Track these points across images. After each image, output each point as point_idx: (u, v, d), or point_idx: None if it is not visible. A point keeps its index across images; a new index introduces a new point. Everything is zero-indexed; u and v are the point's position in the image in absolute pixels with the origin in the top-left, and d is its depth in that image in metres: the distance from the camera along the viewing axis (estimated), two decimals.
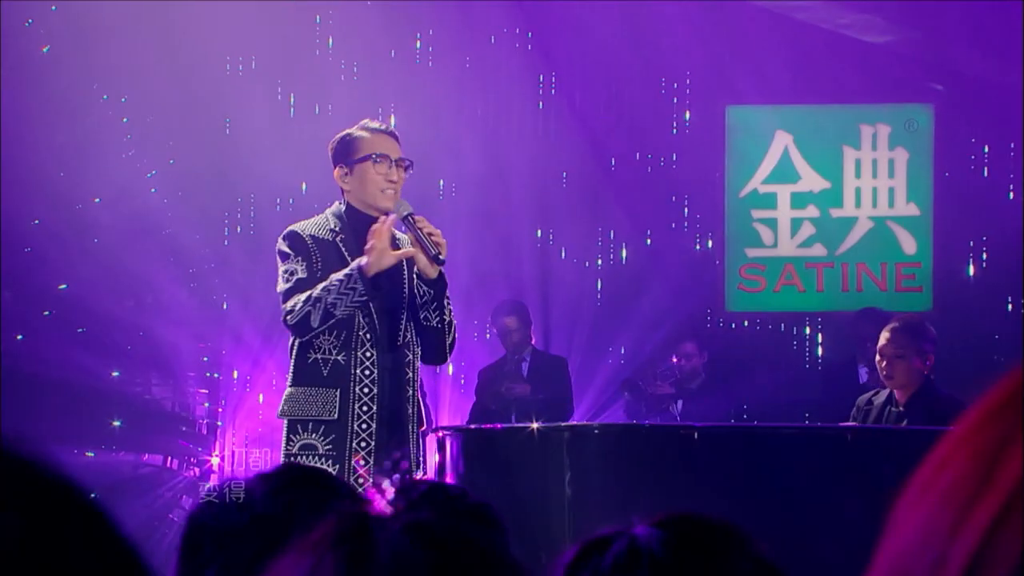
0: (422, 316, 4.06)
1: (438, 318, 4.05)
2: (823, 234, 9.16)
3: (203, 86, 8.68)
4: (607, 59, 9.24)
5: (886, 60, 8.93)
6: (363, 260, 3.84)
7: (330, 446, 3.94)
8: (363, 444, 3.95)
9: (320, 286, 3.95)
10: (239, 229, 8.89)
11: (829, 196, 9.15)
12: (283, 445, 4.03)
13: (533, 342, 8.10)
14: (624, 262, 9.37)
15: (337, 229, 4.10)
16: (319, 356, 4.00)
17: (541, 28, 9.28)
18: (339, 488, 1.65)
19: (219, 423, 8.77)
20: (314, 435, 3.95)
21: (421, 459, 4.18)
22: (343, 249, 4.08)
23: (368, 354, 4.00)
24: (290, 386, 4.06)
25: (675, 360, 8.37)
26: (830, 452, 5.08)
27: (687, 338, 8.42)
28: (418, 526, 0.92)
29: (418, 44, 9.31)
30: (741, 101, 9.24)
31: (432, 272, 3.97)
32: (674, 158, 9.35)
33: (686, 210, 9.41)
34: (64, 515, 0.76)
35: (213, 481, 8.43)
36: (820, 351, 9.18)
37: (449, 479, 5.08)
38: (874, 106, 9.12)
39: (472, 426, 6.06)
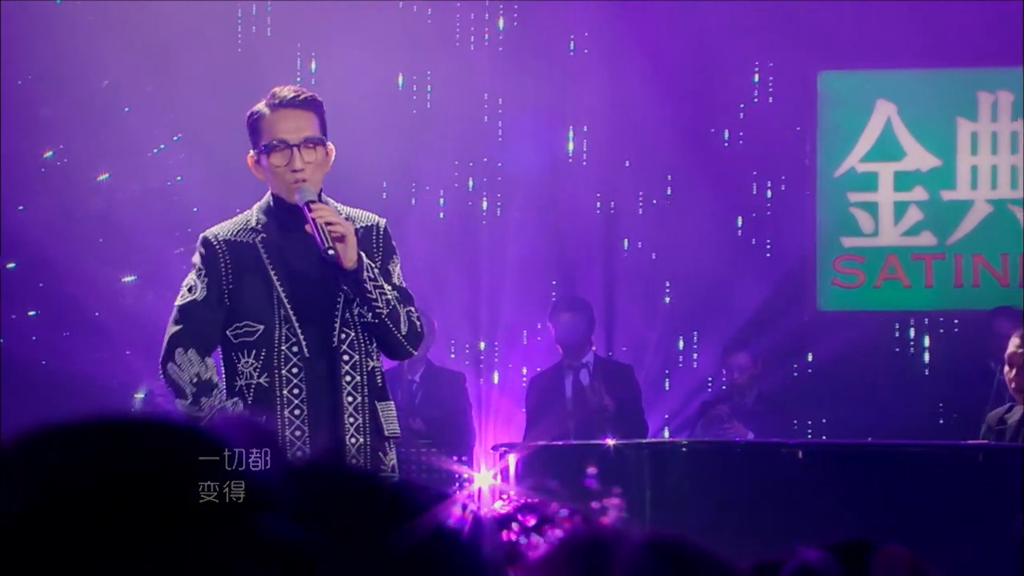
0: (356, 312, 4.04)
1: (370, 312, 4.00)
2: (932, 220, 8.95)
3: (213, 47, 8.48)
4: (678, 16, 8.97)
5: (1008, 15, 8.49)
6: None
7: None
8: None
9: (185, 388, 3.99)
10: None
11: (940, 176, 8.94)
12: None
13: (595, 348, 7.97)
14: (698, 253, 9.04)
15: (259, 227, 4.04)
16: (243, 382, 4.01)
17: None
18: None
19: None
20: None
21: (381, 467, 4.10)
22: (263, 252, 4.04)
23: (295, 370, 3.99)
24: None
25: (724, 374, 8.35)
26: (956, 474, 5.04)
27: (739, 348, 8.30)
28: (661, 544, 0.94)
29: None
30: (836, 65, 9.04)
31: (347, 264, 3.93)
32: (756, 132, 9.05)
33: (770, 192, 9.16)
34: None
35: None
36: (927, 356, 8.96)
37: (510, 501, 5.05)
38: (993, 70, 8.90)
39: (540, 442, 5.98)
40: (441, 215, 9.15)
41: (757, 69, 9.13)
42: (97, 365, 8.17)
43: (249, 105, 8.75)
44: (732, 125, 9.15)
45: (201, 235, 4.09)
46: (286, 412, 3.96)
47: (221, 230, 4.08)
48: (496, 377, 8.95)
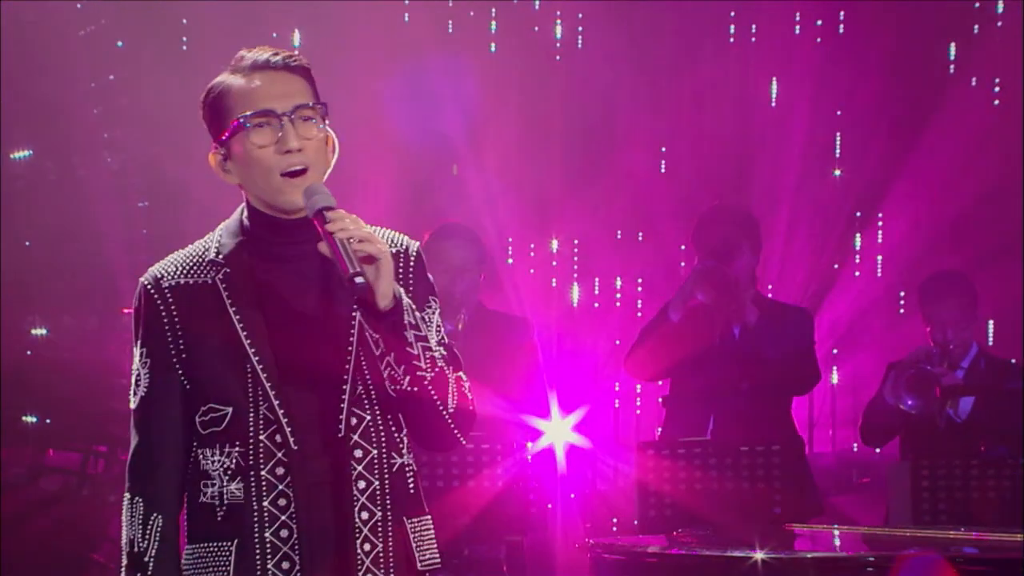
0: (385, 376, 3.68)
1: (407, 376, 3.64)
2: None
3: None
4: None
5: None
6: None
7: None
8: None
9: (131, 521, 3.78)
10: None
11: None
12: None
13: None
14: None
15: (222, 258, 3.77)
16: (212, 491, 3.75)
17: None
18: None
19: None
20: None
21: None
22: (225, 296, 3.74)
23: (280, 471, 3.71)
24: (187, 543, 3.87)
25: (925, 332, 7.62)
26: None
27: (945, 293, 7.49)
28: None
29: None
30: None
31: (380, 300, 3.55)
32: (981, 57, 9.56)
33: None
34: None
35: None
36: None
37: None
38: None
39: (651, 550, 5.70)
40: None
41: None
42: None
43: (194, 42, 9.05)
44: (942, 48, 9.72)
45: (140, 280, 3.76)
46: (268, 535, 3.69)
47: (167, 269, 3.76)
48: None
